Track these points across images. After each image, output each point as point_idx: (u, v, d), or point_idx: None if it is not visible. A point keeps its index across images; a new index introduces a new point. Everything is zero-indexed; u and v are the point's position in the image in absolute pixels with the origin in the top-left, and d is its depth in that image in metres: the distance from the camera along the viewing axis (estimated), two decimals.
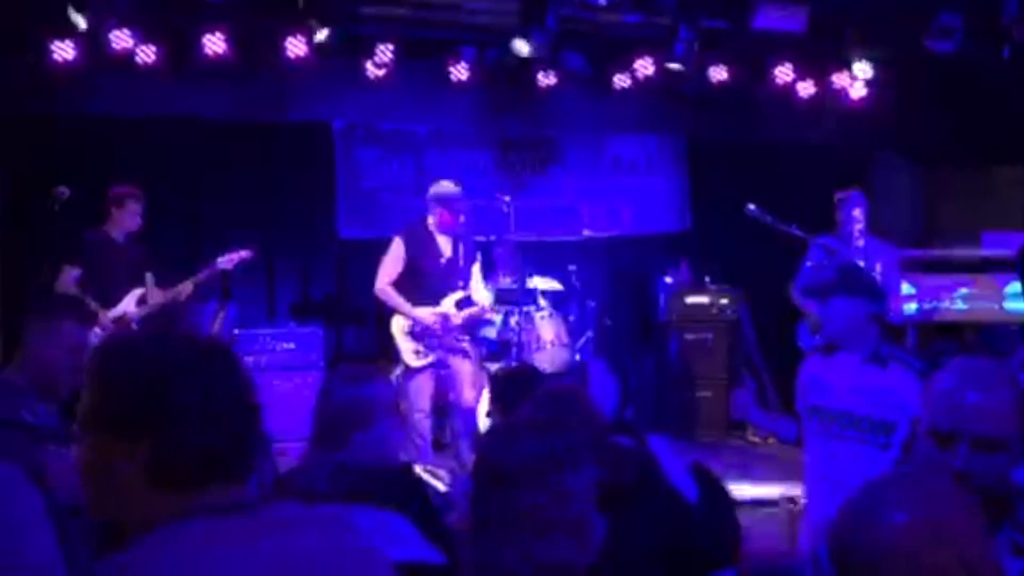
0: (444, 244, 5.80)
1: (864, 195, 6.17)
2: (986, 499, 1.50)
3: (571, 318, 7.23)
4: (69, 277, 5.51)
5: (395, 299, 5.68)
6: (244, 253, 6.05)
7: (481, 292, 5.99)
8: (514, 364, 6.30)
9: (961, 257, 6.43)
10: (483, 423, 6.59)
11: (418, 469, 4.60)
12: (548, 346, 7.04)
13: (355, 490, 2.32)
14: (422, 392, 5.72)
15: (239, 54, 6.54)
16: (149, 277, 5.76)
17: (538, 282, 7.01)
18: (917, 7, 6.35)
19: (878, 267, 5.72)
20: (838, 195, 6.16)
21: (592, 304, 7.43)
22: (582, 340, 7.28)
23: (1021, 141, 7.30)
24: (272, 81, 6.92)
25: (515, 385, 3.36)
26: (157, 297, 5.74)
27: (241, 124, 7.16)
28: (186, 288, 5.84)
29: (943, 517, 1.35)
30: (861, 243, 5.89)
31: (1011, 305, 6.33)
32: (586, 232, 8.15)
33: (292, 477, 2.68)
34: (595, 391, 3.20)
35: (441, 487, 4.19)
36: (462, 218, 5.82)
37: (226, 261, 5.97)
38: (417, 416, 5.69)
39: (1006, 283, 6.18)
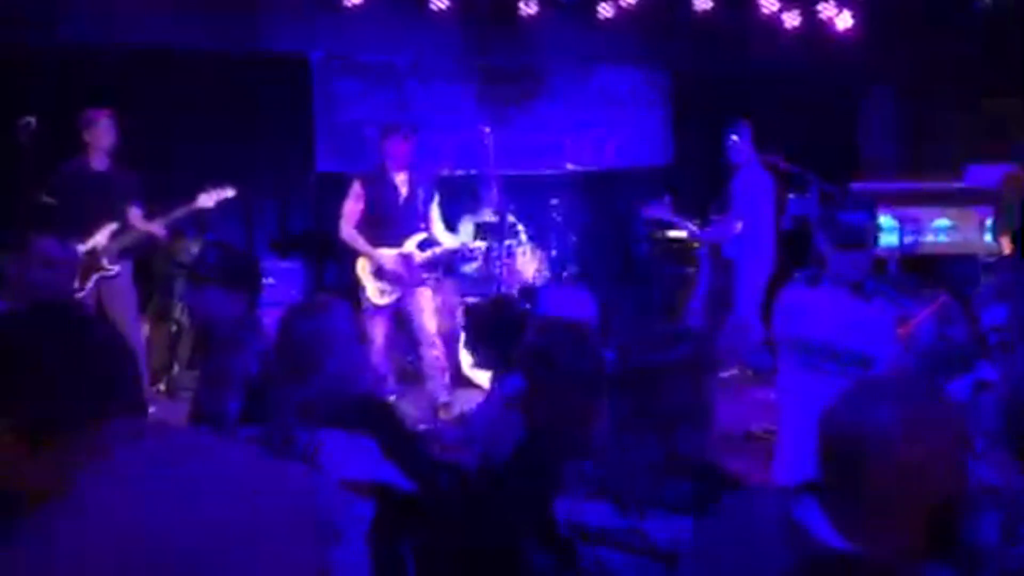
0: (402, 185, 5.80)
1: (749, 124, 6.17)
2: None
3: (553, 252, 7.21)
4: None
5: (360, 243, 5.76)
6: (227, 191, 5.93)
7: (442, 232, 5.99)
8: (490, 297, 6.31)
9: (942, 189, 6.41)
10: (464, 355, 6.61)
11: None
12: (529, 280, 7.03)
13: (323, 422, 2.30)
14: (382, 329, 5.80)
15: None
16: (134, 209, 5.66)
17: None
18: None
19: None
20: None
21: (574, 238, 7.39)
22: (564, 274, 7.26)
23: (1007, 74, 7.24)
24: (246, 10, 6.75)
25: (489, 317, 3.36)
26: (132, 231, 5.65)
27: (214, 54, 7.00)
28: (161, 224, 5.75)
29: (925, 417, 1.41)
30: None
31: (992, 238, 6.33)
32: (569, 166, 8.08)
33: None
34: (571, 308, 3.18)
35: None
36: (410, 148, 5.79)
37: (208, 198, 5.86)
38: (375, 354, 5.78)
39: (987, 215, 6.18)
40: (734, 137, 5.96)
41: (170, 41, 6.73)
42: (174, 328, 6.49)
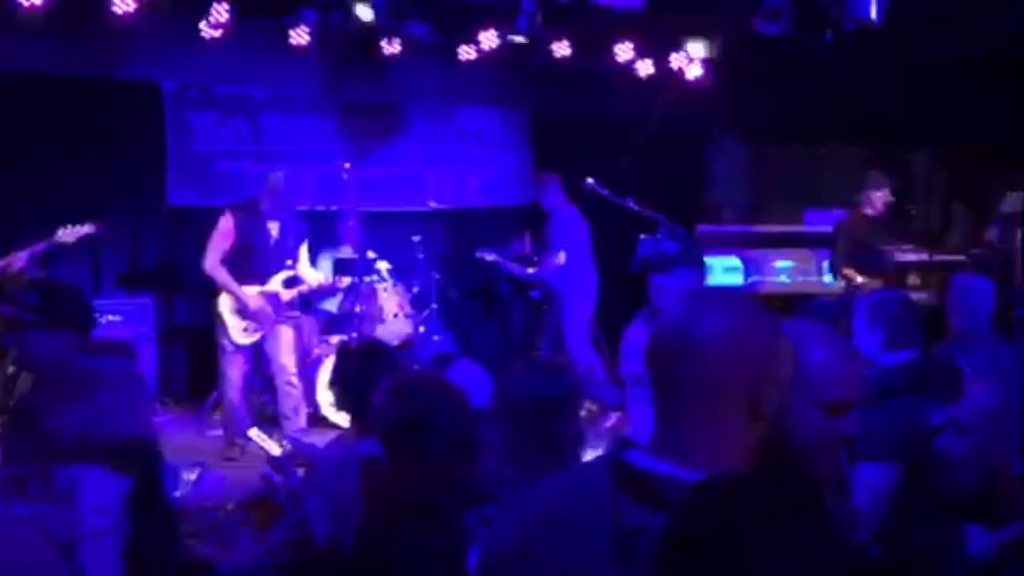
0: (272, 224, 5.79)
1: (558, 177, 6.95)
2: None
3: (415, 289, 7.20)
4: None
5: (225, 279, 5.67)
6: (87, 227, 5.74)
7: (308, 270, 5.96)
8: (356, 337, 6.25)
9: (783, 232, 6.78)
10: (322, 395, 6.50)
11: (253, 433, 4.53)
12: (391, 318, 7.00)
13: (84, 459, 2.26)
14: (241, 369, 5.74)
15: (64, 6, 6.11)
16: None
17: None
18: None
19: None
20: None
21: (436, 275, 7.42)
22: (426, 312, 7.26)
23: (842, 121, 7.73)
24: (98, 36, 6.51)
25: (360, 361, 3.33)
26: None
27: (66, 80, 6.72)
28: (19, 259, 5.46)
29: (747, 327, 1.40)
30: None
31: (830, 278, 6.72)
32: (432, 204, 8.12)
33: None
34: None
35: (275, 450, 4.12)
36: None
37: (68, 234, 5.64)
38: (233, 394, 5.68)
39: (825, 256, 6.56)
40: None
41: (18, 66, 6.42)
42: (11, 369, 6.13)
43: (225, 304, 5.70)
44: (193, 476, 3.86)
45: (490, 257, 7.31)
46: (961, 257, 6.44)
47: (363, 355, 3.39)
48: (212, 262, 5.67)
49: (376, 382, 2.71)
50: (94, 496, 2.19)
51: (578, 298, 6.89)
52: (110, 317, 6.51)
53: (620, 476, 1.38)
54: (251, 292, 5.69)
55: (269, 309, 5.73)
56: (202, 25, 6.55)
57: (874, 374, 3.23)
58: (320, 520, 2.83)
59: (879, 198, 6.45)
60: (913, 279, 6.38)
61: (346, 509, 2.58)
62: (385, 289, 6.95)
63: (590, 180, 5.97)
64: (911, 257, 6.40)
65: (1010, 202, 6.52)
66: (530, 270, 7.29)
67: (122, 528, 2.20)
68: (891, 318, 3.31)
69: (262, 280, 5.75)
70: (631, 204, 5.60)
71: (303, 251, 5.97)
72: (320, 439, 5.98)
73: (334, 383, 3.45)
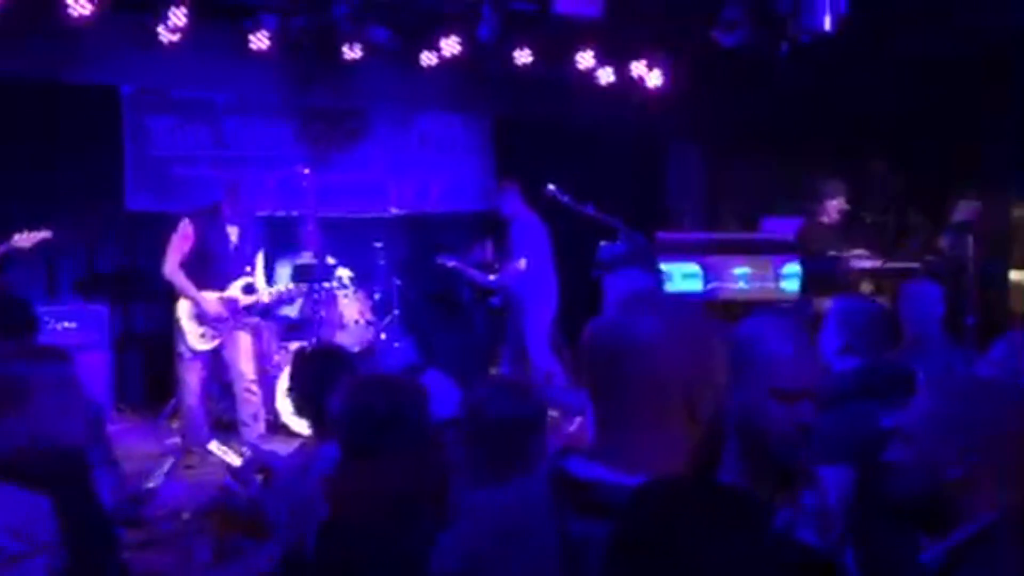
0: (232, 230, 5.74)
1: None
2: None
3: (376, 296, 7.18)
4: None
5: (183, 284, 5.62)
6: (44, 233, 5.68)
7: (261, 282, 5.92)
8: (315, 343, 6.21)
9: (741, 239, 6.85)
10: (282, 402, 6.45)
11: (213, 446, 4.48)
12: (351, 324, 6.97)
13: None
14: (199, 375, 5.69)
15: (19, 9, 6.01)
16: None
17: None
18: (708, 1, 6.68)
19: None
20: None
21: (397, 282, 7.40)
22: (388, 319, 7.23)
23: (799, 130, 7.84)
24: (56, 40, 6.41)
25: (317, 364, 3.30)
26: None
27: (22, 84, 6.61)
28: None
29: (684, 329, 1.40)
30: None
31: (786, 285, 6.81)
32: (394, 210, 8.10)
33: None
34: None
35: (236, 462, 4.08)
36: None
37: (24, 239, 5.58)
38: (191, 402, 5.64)
39: (782, 264, 6.64)
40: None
41: None
42: None
43: (183, 310, 5.65)
44: (153, 484, 3.81)
45: (451, 263, 7.33)
46: (915, 264, 6.55)
47: (319, 359, 3.38)
48: (171, 266, 5.62)
49: (334, 385, 2.71)
50: (6, 517, 2.05)
51: (539, 304, 6.92)
52: (65, 324, 6.43)
53: (562, 485, 1.38)
54: (210, 298, 5.64)
55: (227, 315, 5.68)
56: (160, 29, 6.49)
57: (829, 379, 3.28)
58: (281, 527, 2.82)
59: (835, 206, 6.54)
60: (867, 286, 6.48)
61: (307, 515, 2.56)
62: (346, 295, 6.92)
63: (551, 186, 6.00)
64: (865, 264, 6.50)
65: (962, 211, 6.65)
66: (491, 276, 7.31)
67: (52, 551, 2.08)
68: (856, 328, 3.36)
69: (221, 286, 5.70)
70: (591, 211, 5.64)
71: (259, 261, 5.94)
72: (282, 447, 5.95)
73: (292, 388, 3.43)
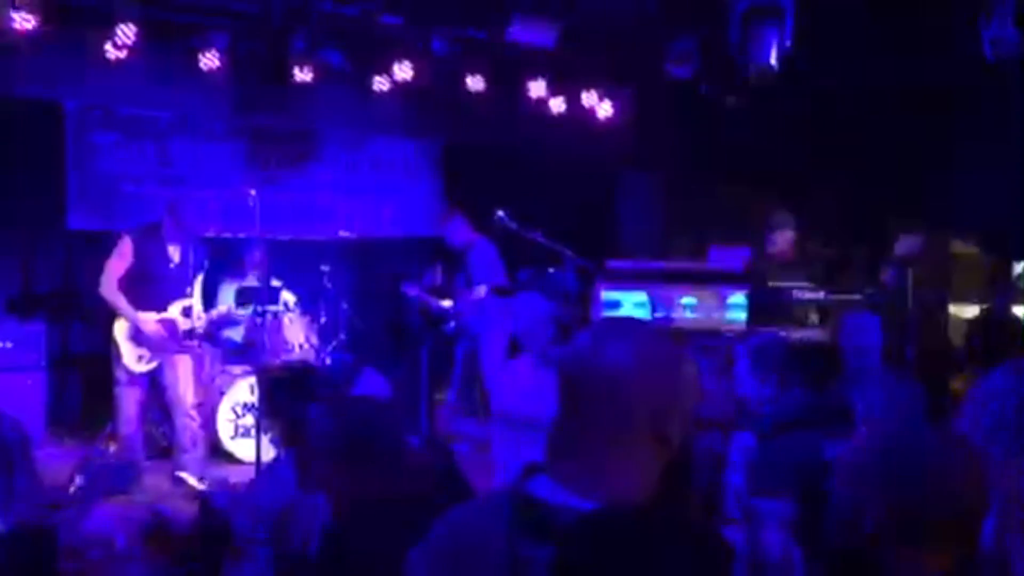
0: (173, 250, 5.62)
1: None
2: None
3: (323, 320, 7.09)
4: None
5: (121, 303, 5.49)
6: None
7: (198, 306, 5.78)
8: (261, 367, 6.10)
9: (688, 269, 6.91)
10: (223, 427, 6.33)
11: (182, 475, 4.39)
12: (297, 348, 6.87)
13: None
14: (136, 398, 5.56)
15: None
16: None
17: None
18: (659, 33, 6.77)
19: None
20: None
21: (345, 306, 7.32)
22: (333, 343, 7.15)
23: (746, 162, 7.96)
24: None
25: (287, 384, 3.30)
26: None
27: None
28: None
29: (654, 355, 1.41)
30: None
31: (732, 315, 6.88)
32: (342, 233, 8.04)
33: None
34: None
35: (199, 485, 4.00)
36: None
37: None
38: (129, 426, 5.54)
39: (728, 294, 6.71)
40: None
41: None
42: None
43: (121, 330, 5.51)
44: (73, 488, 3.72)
45: (413, 292, 7.30)
46: (856, 296, 6.66)
47: (293, 381, 3.36)
48: (108, 285, 5.47)
49: (307, 406, 2.70)
50: None
51: (495, 331, 6.89)
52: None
53: (518, 506, 1.37)
54: (148, 318, 5.51)
55: (167, 336, 5.56)
56: (107, 46, 6.39)
57: (770, 411, 3.30)
58: (256, 544, 2.77)
59: (783, 238, 6.64)
60: (812, 317, 6.57)
61: (296, 525, 2.53)
62: (290, 319, 6.83)
63: (500, 212, 6.00)
64: (808, 296, 6.59)
65: (904, 244, 6.79)
66: (444, 303, 7.27)
67: None
68: (776, 361, 3.40)
69: (160, 307, 5.58)
70: (539, 237, 5.65)
71: (198, 283, 5.82)
72: (222, 472, 5.83)
73: (265, 412, 3.43)
